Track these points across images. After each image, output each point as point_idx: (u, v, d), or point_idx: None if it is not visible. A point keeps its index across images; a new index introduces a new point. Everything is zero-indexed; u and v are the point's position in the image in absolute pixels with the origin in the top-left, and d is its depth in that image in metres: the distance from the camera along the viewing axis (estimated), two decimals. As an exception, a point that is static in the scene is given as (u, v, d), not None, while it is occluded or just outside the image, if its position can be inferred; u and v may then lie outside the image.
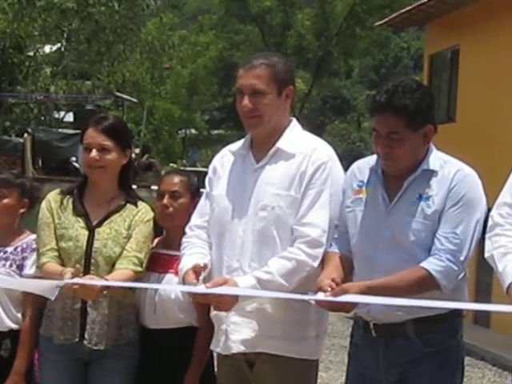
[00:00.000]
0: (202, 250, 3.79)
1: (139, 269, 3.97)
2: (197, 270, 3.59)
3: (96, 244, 3.99)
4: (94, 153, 4.00)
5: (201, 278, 3.56)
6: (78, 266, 3.80)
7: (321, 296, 3.35)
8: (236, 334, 3.68)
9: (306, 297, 3.39)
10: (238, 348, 3.68)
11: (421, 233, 3.48)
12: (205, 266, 3.62)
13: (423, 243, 3.48)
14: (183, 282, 3.68)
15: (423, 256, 3.46)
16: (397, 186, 3.55)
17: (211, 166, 3.97)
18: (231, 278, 3.60)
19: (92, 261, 3.96)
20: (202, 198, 3.95)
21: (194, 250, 3.79)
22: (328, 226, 3.67)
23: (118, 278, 3.87)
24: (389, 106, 3.44)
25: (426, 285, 3.40)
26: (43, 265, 4.01)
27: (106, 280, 3.79)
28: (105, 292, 3.88)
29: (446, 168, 3.53)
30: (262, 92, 3.68)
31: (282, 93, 3.73)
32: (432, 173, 3.53)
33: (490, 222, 3.47)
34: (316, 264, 3.63)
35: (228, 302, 3.52)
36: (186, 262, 3.72)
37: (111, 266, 3.95)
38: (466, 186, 3.48)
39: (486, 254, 3.44)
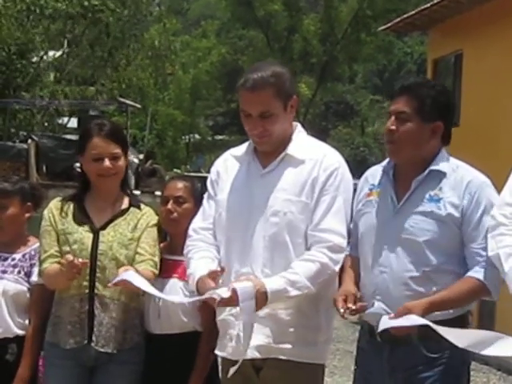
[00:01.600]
0: (209, 254, 3.76)
1: (156, 272, 4.00)
2: (214, 276, 3.56)
3: (101, 246, 4.00)
4: (107, 162, 4.03)
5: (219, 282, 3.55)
6: (86, 260, 3.84)
7: (398, 321, 3.37)
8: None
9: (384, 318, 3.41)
10: (252, 354, 3.62)
11: (430, 233, 3.50)
12: (222, 270, 3.59)
13: (434, 245, 3.50)
14: (197, 288, 3.63)
15: (433, 258, 3.49)
16: (406, 186, 3.59)
17: (214, 170, 3.95)
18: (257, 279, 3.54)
19: (98, 263, 3.98)
20: (205, 201, 3.93)
21: (201, 254, 3.76)
22: (346, 232, 3.69)
23: (144, 275, 3.86)
24: (407, 89, 3.62)
25: (478, 293, 3.49)
26: (44, 270, 4.03)
27: (137, 271, 3.83)
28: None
29: (459, 173, 3.57)
30: (269, 113, 3.67)
31: (287, 106, 3.72)
32: (442, 174, 3.56)
33: (492, 222, 3.48)
34: (337, 268, 3.65)
35: None
36: (196, 268, 3.68)
37: (118, 268, 3.91)
38: (484, 195, 3.53)
39: (490, 253, 3.44)
